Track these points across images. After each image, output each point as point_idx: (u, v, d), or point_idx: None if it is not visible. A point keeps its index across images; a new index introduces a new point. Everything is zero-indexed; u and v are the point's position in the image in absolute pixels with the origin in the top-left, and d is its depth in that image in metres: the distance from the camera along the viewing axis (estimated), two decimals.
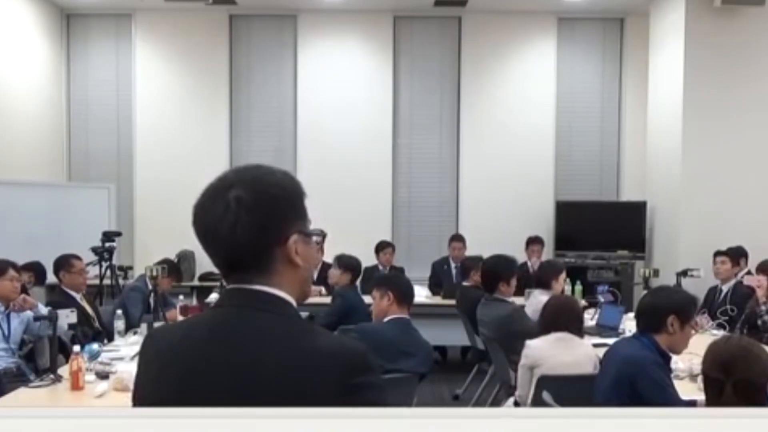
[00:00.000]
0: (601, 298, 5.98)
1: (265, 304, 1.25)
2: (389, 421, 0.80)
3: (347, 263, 5.63)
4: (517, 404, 3.90)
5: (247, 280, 1.26)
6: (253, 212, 1.22)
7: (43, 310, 4.28)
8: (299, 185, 1.31)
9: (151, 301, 5.08)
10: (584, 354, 3.68)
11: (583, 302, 5.63)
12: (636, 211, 8.16)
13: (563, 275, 5.34)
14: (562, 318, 3.76)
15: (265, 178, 1.28)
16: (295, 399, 1.15)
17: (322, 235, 6.21)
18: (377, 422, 0.81)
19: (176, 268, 6.34)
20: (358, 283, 5.90)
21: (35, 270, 5.87)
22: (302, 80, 8.75)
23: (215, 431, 0.78)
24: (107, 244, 6.64)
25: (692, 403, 3.12)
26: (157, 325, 4.60)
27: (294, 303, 1.29)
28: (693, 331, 3.16)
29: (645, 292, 4.66)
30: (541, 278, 5.30)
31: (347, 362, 1.20)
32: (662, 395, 2.87)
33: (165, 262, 5.82)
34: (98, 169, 8.76)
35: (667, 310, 2.99)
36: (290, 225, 1.27)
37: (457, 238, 7.83)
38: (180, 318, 5.47)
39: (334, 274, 5.71)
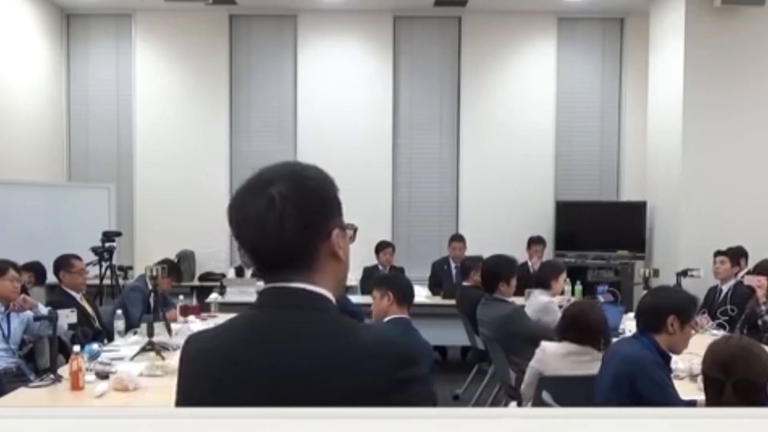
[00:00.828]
0: (601, 298, 5.97)
1: (309, 303, 1.24)
2: (390, 421, 0.80)
3: None
4: (519, 404, 3.90)
5: (288, 278, 1.24)
6: (298, 207, 1.21)
7: (43, 310, 4.28)
8: (333, 180, 1.30)
9: (151, 301, 5.07)
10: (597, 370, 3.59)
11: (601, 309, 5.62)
12: (636, 211, 8.16)
13: (563, 275, 5.34)
14: (579, 327, 3.67)
15: (303, 173, 1.26)
16: (346, 396, 1.14)
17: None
18: (378, 422, 0.81)
19: (176, 268, 6.34)
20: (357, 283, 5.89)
21: (35, 270, 5.87)
22: (302, 80, 8.75)
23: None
24: (107, 244, 6.64)
25: (692, 403, 3.12)
26: (157, 325, 4.60)
27: (334, 300, 1.28)
28: (693, 331, 3.15)
29: (645, 292, 4.66)
30: (541, 278, 5.30)
31: (395, 356, 1.20)
32: (662, 395, 2.87)
33: (165, 262, 5.82)
34: (98, 169, 8.76)
35: (667, 310, 2.99)
36: (332, 219, 1.26)
37: (458, 238, 7.83)
38: (180, 318, 5.47)
39: None
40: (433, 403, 1.28)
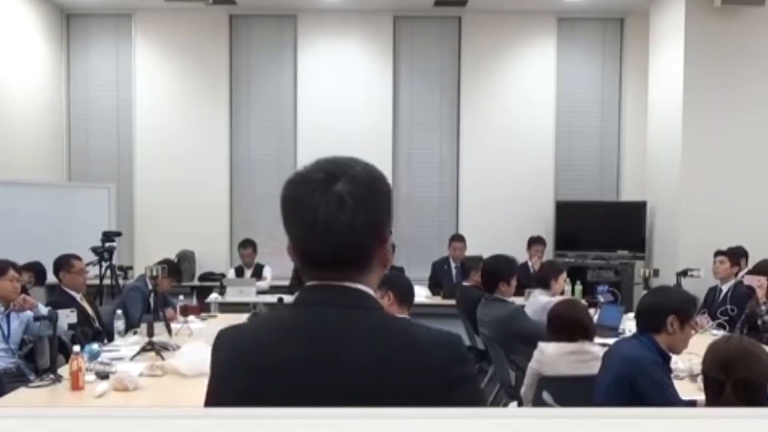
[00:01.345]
0: (601, 298, 5.98)
1: (361, 301, 1.22)
2: (390, 421, 0.80)
3: None
4: (519, 404, 3.90)
5: (341, 278, 1.21)
6: (369, 209, 1.18)
7: (43, 310, 4.28)
8: None
9: (151, 301, 5.08)
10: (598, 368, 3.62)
11: (583, 302, 5.63)
12: (636, 211, 8.16)
13: (563, 275, 5.34)
14: (569, 326, 3.69)
15: (373, 173, 1.22)
16: (402, 395, 1.12)
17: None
18: (378, 422, 0.81)
19: (176, 268, 6.34)
20: None
21: (35, 270, 5.87)
22: (302, 80, 8.75)
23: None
24: (107, 244, 6.64)
25: (692, 403, 3.12)
26: (157, 325, 4.60)
27: None
28: (693, 331, 3.15)
29: (645, 292, 4.66)
30: (541, 278, 5.30)
31: (450, 354, 1.18)
32: (662, 395, 2.87)
33: (165, 262, 5.82)
34: (98, 169, 8.76)
35: (668, 310, 2.99)
36: (389, 223, 1.24)
37: (458, 238, 7.84)
38: (180, 318, 5.47)
39: None
40: (484, 401, 1.26)
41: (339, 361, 1.15)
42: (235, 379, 1.22)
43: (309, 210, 1.17)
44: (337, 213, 1.15)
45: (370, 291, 1.23)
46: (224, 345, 1.28)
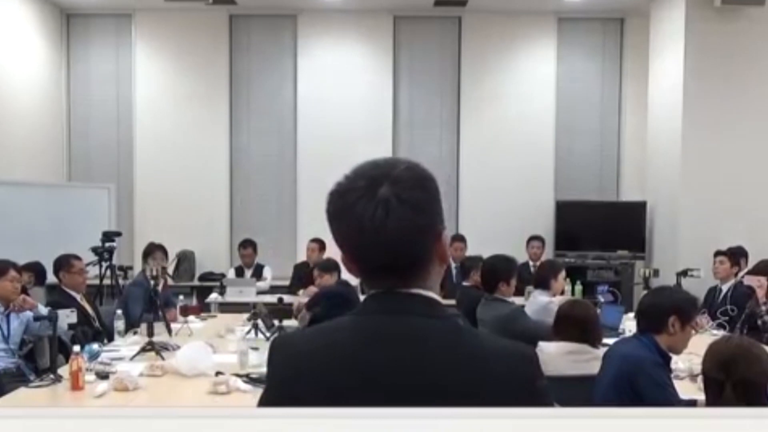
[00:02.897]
0: (601, 298, 5.98)
1: (431, 310, 1.18)
2: (390, 421, 0.80)
3: (330, 265, 5.61)
4: None
5: (402, 284, 1.17)
6: (416, 209, 1.14)
7: (43, 310, 4.28)
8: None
9: (157, 298, 5.06)
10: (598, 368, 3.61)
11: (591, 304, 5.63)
12: (636, 211, 8.16)
13: (563, 275, 5.33)
14: (576, 327, 3.68)
15: (414, 171, 1.18)
16: (484, 404, 1.11)
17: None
18: (379, 422, 0.81)
19: (155, 246, 6.30)
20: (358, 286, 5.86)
21: (35, 270, 5.87)
22: (302, 80, 8.75)
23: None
24: (107, 244, 6.63)
25: (692, 403, 3.12)
26: (157, 325, 4.60)
27: None
28: (693, 331, 3.15)
29: (645, 292, 4.66)
30: (541, 278, 5.29)
31: (532, 367, 1.17)
32: (662, 395, 2.87)
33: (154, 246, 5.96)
34: (98, 169, 8.77)
35: (669, 311, 2.98)
36: (441, 220, 1.20)
37: (458, 238, 7.83)
38: (180, 318, 5.47)
39: (326, 281, 5.64)
40: None
41: (418, 376, 1.12)
42: (301, 389, 1.17)
43: (356, 219, 1.13)
44: (384, 218, 1.12)
45: (434, 295, 1.20)
46: (285, 354, 1.24)
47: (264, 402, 1.24)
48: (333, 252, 6.12)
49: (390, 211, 1.12)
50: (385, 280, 1.18)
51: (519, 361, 1.16)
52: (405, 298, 1.18)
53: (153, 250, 6.10)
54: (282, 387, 1.21)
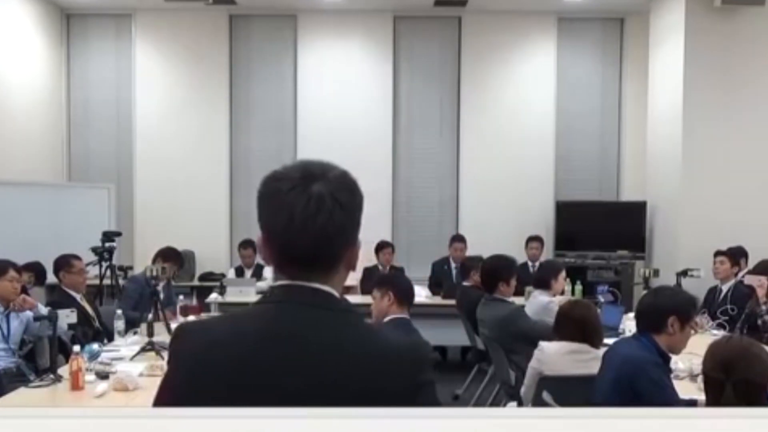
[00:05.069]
0: (601, 298, 5.98)
1: (330, 303, 1.23)
2: (390, 421, 0.80)
3: None
4: (519, 404, 3.89)
5: (308, 278, 1.22)
6: (346, 212, 1.21)
7: (43, 310, 4.28)
8: None
9: (160, 294, 5.06)
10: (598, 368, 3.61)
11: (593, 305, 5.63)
12: (636, 211, 8.15)
13: (563, 275, 5.33)
14: (576, 327, 3.68)
15: (347, 177, 1.25)
16: (368, 397, 1.14)
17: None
18: (379, 422, 0.81)
19: (176, 252, 6.27)
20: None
21: (35, 270, 5.87)
22: (302, 80, 8.75)
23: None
24: (107, 244, 6.63)
25: (692, 403, 3.12)
26: (157, 325, 4.60)
27: None
28: (693, 332, 3.16)
29: (645, 292, 4.65)
30: (541, 278, 5.29)
31: (418, 359, 1.21)
32: (662, 395, 2.87)
33: (165, 250, 5.91)
34: (98, 169, 8.77)
35: (669, 311, 2.98)
36: (359, 228, 1.27)
37: (459, 239, 7.83)
38: (180, 318, 5.46)
39: None
40: (441, 406, 1.26)
41: (310, 362, 1.16)
42: (209, 380, 1.19)
43: (287, 207, 1.19)
44: (314, 211, 1.18)
45: (335, 292, 1.25)
46: (192, 341, 1.26)
47: (169, 390, 1.24)
48: None
49: (322, 207, 1.18)
50: (299, 272, 1.23)
51: (408, 360, 1.20)
52: (312, 292, 1.22)
53: (173, 257, 6.06)
54: (191, 377, 1.21)
